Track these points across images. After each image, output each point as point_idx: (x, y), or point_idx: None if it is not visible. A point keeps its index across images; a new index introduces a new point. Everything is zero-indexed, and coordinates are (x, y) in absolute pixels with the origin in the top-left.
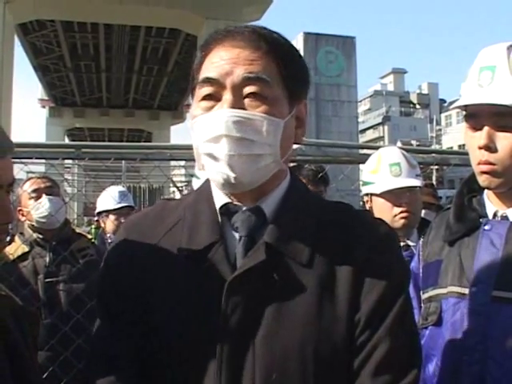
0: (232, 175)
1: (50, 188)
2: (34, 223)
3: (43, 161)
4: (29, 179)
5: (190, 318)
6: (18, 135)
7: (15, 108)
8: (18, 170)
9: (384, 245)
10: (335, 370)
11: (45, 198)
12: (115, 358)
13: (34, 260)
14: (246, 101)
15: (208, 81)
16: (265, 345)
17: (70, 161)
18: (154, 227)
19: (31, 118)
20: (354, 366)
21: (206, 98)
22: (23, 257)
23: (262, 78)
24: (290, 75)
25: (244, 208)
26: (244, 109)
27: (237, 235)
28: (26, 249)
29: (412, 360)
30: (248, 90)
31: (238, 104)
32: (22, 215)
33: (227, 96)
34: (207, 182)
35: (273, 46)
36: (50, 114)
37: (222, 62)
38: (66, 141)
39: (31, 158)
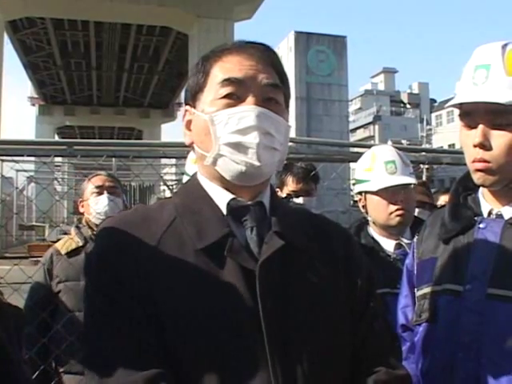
0: (257, 164)
1: (113, 188)
2: (90, 217)
3: (33, 158)
4: (96, 175)
5: (223, 307)
6: (6, 133)
7: (4, 105)
8: (8, 169)
9: (352, 243)
10: (347, 337)
11: (105, 196)
12: (134, 353)
13: None
14: (265, 103)
15: (232, 81)
16: (302, 319)
17: (59, 158)
18: (146, 225)
19: (20, 116)
20: (358, 336)
21: (228, 96)
22: (77, 251)
23: (280, 86)
24: (286, 91)
25: (249, 202)
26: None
27: (243, 228)
28: (80, 243)
29: (394, 334)
30: (268, 95)
31: (261, 104)
32: (82, 206)
33: (252, 96)
34: (193, 183)
35: (278, 63)
36: (39, 112)
37: (245, 66)
38: (57, 139)
39: (22, 156)
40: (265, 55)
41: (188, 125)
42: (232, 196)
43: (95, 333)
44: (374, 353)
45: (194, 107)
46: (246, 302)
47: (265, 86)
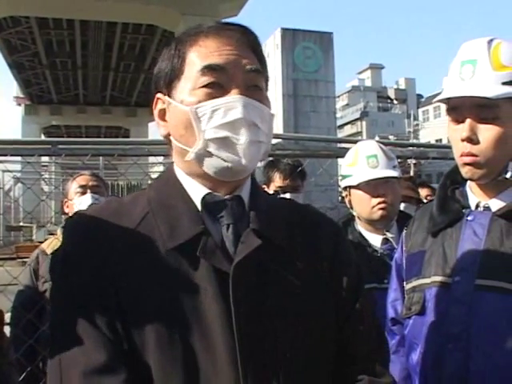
0: (244, 162)
1: (97, 187)
2: None
3: (19, 158)
4: (80, 174)
5: (193, 310)
6: None
7: None
8: None
9: (341, 237)
10: (328, 341)
11: (88, 195)
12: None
13: None
14: (249, 92)
15: (213, 68)
16: (278, 322)
17: (46, 159)
18: (117, 221)
19: (7, 116)
20: (342, 338)
21: (210, 85)
22: None
23: (261, 71)
24: (266, 75)
25: (226, 197)
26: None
27: (219, 224)
28: None
29: (383, 336)
30: (251, 81)
31: (245, 93)
32: (67, 207)
33: (237, 85)
34: (168, 175)
35: (257, 45)
36: (25, 111)
37: (225, 51)
38: (43, 138)
39: (5, 155)
40: (244, 38)
41: (161, 115)
42: (206, 191)
43: (57, 334)
44: (359, 358)
45: (169, 95)
46: (218, 306)
47: (248, 72)
